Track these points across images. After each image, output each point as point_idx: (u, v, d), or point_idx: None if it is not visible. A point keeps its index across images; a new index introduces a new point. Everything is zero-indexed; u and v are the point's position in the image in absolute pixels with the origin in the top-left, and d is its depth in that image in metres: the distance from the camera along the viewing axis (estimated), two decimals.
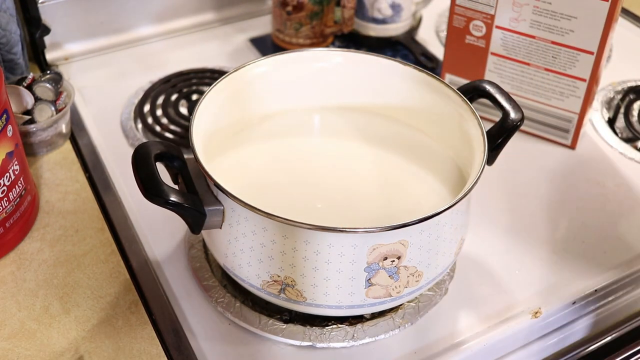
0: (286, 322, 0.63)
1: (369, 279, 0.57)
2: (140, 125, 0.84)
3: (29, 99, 0.78)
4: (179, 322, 0.63)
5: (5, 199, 0.66)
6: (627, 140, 0.85)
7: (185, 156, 0.60)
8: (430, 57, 0.95)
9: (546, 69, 0.80)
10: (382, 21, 0.95)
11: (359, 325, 0.63)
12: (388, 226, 0.53)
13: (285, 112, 0.71)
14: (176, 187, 0.62)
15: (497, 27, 0.80)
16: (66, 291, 0.65)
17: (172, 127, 0.84)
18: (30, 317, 0.63)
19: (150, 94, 0.88)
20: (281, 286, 0.58)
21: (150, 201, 0.54)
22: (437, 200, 0.64)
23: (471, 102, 0.64)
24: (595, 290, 0.68)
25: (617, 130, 0.86)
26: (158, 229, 0.71)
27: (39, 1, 0.88)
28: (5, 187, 0.65)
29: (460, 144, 0.65)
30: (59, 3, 0.90)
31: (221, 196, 0.57)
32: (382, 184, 0.66)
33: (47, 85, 0.79)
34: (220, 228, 0.59)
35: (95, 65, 0.94)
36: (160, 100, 0.88)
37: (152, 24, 0.98)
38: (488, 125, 0.62)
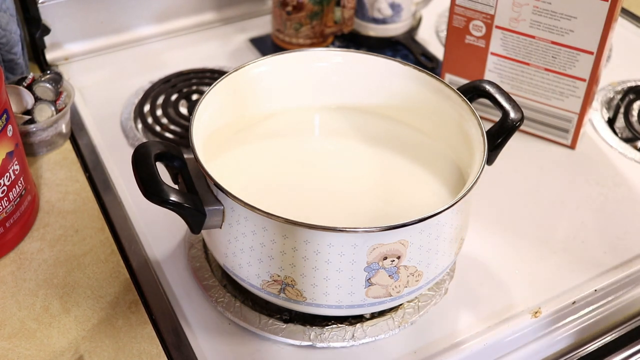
0: (286, 322, 0.63)
1: (369, 278, 0.57)
2: (140, 125, 0.84)
3: (29, 99, 0.78)
4: (179, 322, 0.63)
5: (5, 198, 0.66)
6: (627, 140, 0.85)
7: (185, 156, 0.60)
8: (430, 57, 0.95)
9: (546, 69, 0.80)
10: (382, 21, 0.95)
11: (358, 325, 0.63)
12: (388, 226, 0.53)
13: (285, 112, 0.71)
14: (176, 187, 0.62)
15: (497, 27, 0.80)
16: (66, 291, 0.65)
17: (172, 127, 0.84)
18: (30, 317, 0.63)
19: (150, 94, 0.88)
20: (281, 286, 0.58)
21: (150, 201, 0.54)
22: (436, 200, 0.64)
23: (471, 102, 0.64)
24: (595, 290, 0.68)
25: (617, 130, 0.86)
26: (158, 229, 0.71)
27: (39, 1, 0.88)
28: (5, 187, 0.65)
29: (460, 144, 0.65)
30: (59, 3, 0.90)
31: (221, 196, 0.57)
32: (382, 184, 0.66)
33: (47, 85, 0.79)
34: (220, 228, 0.59)
35: (95, 65, 0.94)
36: (160, 100, 0.88)
37: (152, 24, 0.98)
38: (488, 125, 0.63)
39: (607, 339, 0.71)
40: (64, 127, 0.80)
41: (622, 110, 0.89)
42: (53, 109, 0.78)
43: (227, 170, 0.65)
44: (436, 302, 0.65)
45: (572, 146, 0.83)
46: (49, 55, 0.93)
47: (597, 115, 0.88)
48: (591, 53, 0.76)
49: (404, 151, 0.69)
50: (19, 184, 0.68)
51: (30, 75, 0.80)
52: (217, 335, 0.62)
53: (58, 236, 0.70)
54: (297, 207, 0.63)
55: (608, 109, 0.89)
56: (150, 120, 0.85)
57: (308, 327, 0.63)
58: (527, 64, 0.80)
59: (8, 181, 0.66)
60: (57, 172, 0.77)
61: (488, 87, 0.64)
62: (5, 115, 0.64)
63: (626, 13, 1.07)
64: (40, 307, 0.64)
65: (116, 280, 0.66)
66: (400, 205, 0.64)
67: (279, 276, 0.57)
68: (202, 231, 0.60)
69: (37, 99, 0.78)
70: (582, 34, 0.75)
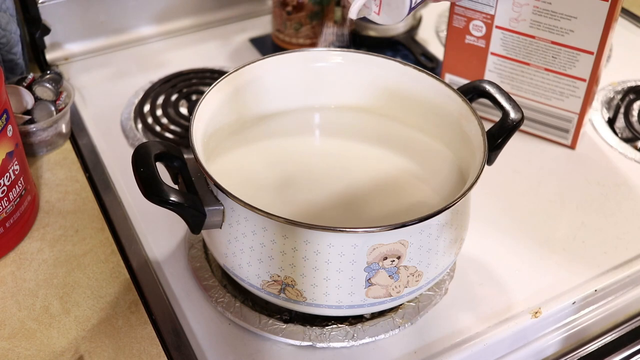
0: (286, 322, 0.63)
1: (369, 278, 0.57)
2: (140, 125, 0.84)
3: (29, 99, 0.78)
4: (179, 322, 0.63)
5: (5, 199, 0.66)
6: (627, 140, 0.85)
7: (185, 156, 0.60)
8: (430, 57, 0.95)
9: (546, 69, 0.80)
10: None
11: (359, 325, 0.63)
12: (388, 226, 0.53)
13: (285, 112, 0.71)
14: (176, 187, 0.62)
15: (497, 27, 0.80)
16: (66, 291, 0.65)
17: (172, 127, 0.84)
18: (30, 317, 0.63)
19: (150, 94, 0.88)
20: (281, 286, 0.58)
21: (150, 201, 0.54)
22: (437, 200, 0.64)
23: (471, 102, 0.64)
24: (595, 290, 0.68)
25: (617, 130, 0.86)
26: (158, 229, 0.71)
27: (39, 1, 0.88)
28: (5, 187, 0.65)
29: (460, 144, 0.65)
30: (59, 3, 0.90)
31: (221, 196, 0.57)
32: (382, 184, 0.66)
33: (47, 85, 0.79)
34: (220, 228, 0.59)
35: (95, 65, 0.94)
36: (160, 100, 0.88)
37: (152, 24, 0.98)
38: (488, 125, 0.63)
39: (607, 339, 0.71)
40: (64, 127, 0.80)
41: (622, 110, 0.89)
42: (53, 109, 0.78)
43: (227, 170, 0.65)
44: (436, 302, 0.65)
45: (572, 146, 0.83)
46: (49, 55, 0.93)
47: (597, 115, 0.88)
48: (591, 53, 0.76)
49: (404, 151, 0.69)
50: (19, 184, 0.68)
51: (30, 75, 0.80)
52: (217, 335, 0.62)
53: (58, 236, 0.70)
54: (297, 207, 0.63)
55: (608, 109, 0.89)
56: (150, 120, 0.85)
57: (308, 327, 0.63)
58: (527, 64, 0.80)
59: (8, 181, 0.66)
60: (57, 172, 0.77)
61: (488, 87, 0.64)
62: (5, 115, 0.64)
63: (626, 13, 1.07)
64: (40, 307, 0.64)
65: (116, 280, 0.66)
66: (400, 206, 0.64)
67: (279, 276, 0.57)
68: (202, 231, 0.60)
69: (37, 99, 0.78)
70: (582, 34, 0.75)
